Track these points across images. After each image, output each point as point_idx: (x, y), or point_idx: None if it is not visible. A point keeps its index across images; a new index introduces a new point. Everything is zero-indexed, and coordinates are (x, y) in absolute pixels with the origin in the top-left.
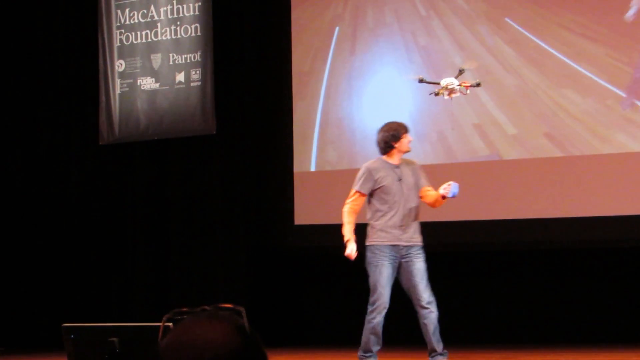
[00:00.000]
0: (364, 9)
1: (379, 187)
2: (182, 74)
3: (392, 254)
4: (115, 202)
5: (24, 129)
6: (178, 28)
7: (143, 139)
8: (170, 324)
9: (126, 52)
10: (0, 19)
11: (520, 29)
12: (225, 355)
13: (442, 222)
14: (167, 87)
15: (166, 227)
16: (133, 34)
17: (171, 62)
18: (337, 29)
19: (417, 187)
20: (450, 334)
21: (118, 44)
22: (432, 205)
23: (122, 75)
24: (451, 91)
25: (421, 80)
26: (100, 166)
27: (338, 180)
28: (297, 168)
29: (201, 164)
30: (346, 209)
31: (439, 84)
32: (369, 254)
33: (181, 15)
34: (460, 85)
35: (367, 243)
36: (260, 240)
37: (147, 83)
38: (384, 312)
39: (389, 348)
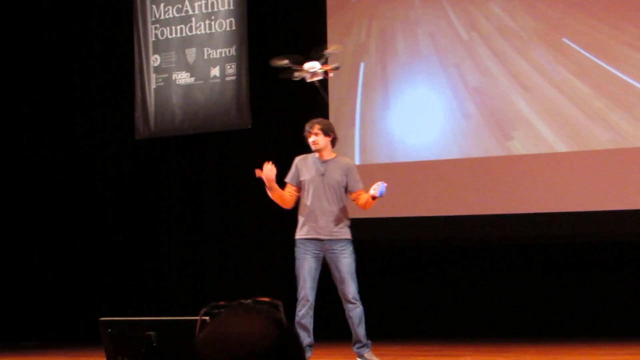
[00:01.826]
0: (392, 33)
1: (301, 180)
2: (217, 68)
3: (312, 249)
4: (151, 197)
5: (61, 124)
6: (212, 22)
7: (178, 134)
8: (207, 317)
9: (161, 46)
10: (38, 15)
11: (582, 51)
12: (262, 348)
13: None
14: (202, 82)
15: (202, 221)
16: (168, 28)
17: (206, 57)
18: (362, 64)
19: (343, 184)
20: (464, 327)
21: (153, 39)
22: (364, 206)
23: (157, 70)
24: (313, 74)
25: (288, 65)
26: (136, 161)
27: (372, 174)
28: None
29: (236, 158)
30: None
31: (302, 67)
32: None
33: (216, 9)
34: (321, 69)
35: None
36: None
37: (182, 77)
38: (307, 305)
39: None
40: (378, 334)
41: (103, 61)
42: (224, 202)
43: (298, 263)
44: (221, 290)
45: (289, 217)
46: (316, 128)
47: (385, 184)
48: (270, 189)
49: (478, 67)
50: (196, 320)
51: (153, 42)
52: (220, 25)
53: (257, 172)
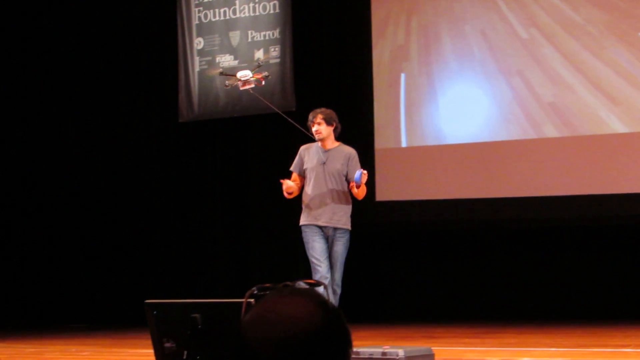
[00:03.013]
0: (436, 32)
1: (304, 169)
2: (261, 51)
3: (319, 231)
4: (196, 179)
5: (106, 108)
6: (256, 5)
7: (222, 117)
8: (253, 300)
9: (205, 29)
10: (84, 1)
11: None
12: (308, 330)
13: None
14: (246, 65)
15: (246, 204)
16: (211, 11)
17: (250, 40)
18: (402, 76)
19: (343, 173)
20: (505, 308)
21: (197, 22)
22: (356, 195)
23: (200, 53)
24: (245, 82)
25: (221, 73)
26: (180, 144)
27: (419, 157)
28: (378, 144)
29: (281, 141)
30: None
31: (235, 75)
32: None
33: None
34: (253, 77)
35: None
36: None
37: (226, 60)
38: (326, 283)
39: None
40: (417, 314)
41: (147, 45)
42: (269, 184)
43: (308, 246)
44: (266, 273)
45: None
46: (319, 118)
47: (361, 171)
48: (292, 194)
49: (547, 74)
50: (241, 302)
51: (196, 25)
52: (264, 8)
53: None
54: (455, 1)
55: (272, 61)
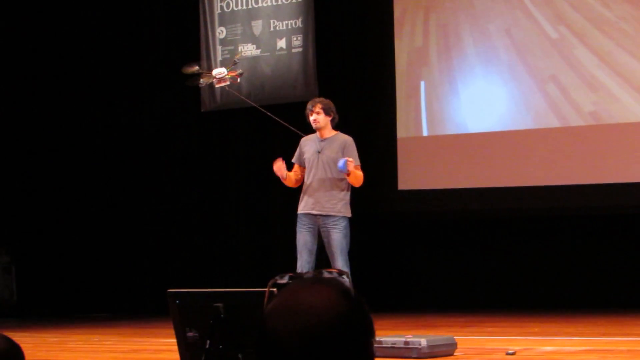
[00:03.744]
0: (456, 32)
1: (304, 159)
2: (284, 40)
3: (308, 222)
4: (218, 169)
5: (128, 97)
6: None
7: (244, 106)
8: (275, 289)
9: (227, 19)
10: None
11: None
12: (331, 319)
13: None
14: (268, 54)
15: (268, 192)
16: (234, 1)
17: (272, 29)
18: (422, 84)
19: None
20: (529, 298)
21: (219, 11)
22: (352, 184)
23: (223, 42)
24: (221, 80)
25: (198, 71)
26: (203, 133)
27: (441, 146)
28: (400, 133)
29: (303, 130)
30: None
31: (210, 73)
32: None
33: None
34: (228, 75)
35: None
36: (363, 206)
37: (248, 50)
38: None
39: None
40: (439, 303)
41: (169, 34)
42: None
43: (296, 237)
44: (289, 262)
45: (357, 189)
46: (318, 107)
47: (345, 159)
48: (284, 178)
49: (583, 79)
50: (264, 291)
51: (219, 14)
52: None
53: (275, 167)
54: None
55: (294, 50)
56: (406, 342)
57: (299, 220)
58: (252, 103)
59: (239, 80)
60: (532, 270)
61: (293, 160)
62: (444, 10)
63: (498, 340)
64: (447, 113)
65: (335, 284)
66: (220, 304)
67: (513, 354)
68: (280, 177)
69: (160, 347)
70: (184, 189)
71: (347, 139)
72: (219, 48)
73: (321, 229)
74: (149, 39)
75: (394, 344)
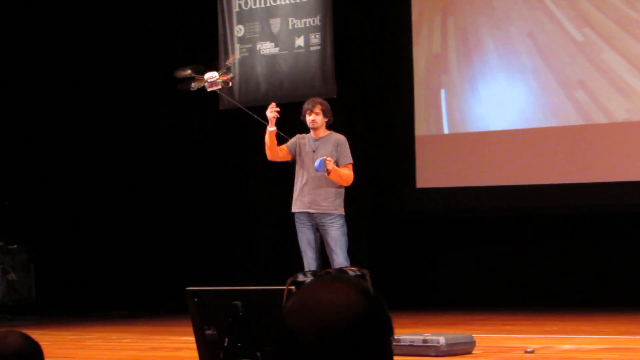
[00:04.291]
0: (476, 35)
1: (298, 154)
2: (302, 38)
3: (306, 221)
4: (236, 167)
5: (146, 95)
6: None
7: (263, 104)
8: (294, 287)
9: (245, 17)
10: None
11: None
12: (349, 318)
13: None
14: (287, 52)
15: (287, 191)
16: None
17: (290, 27)
18: (442, 93)
19: (334, 159)
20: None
21: (237, 9)
22: (337, 182)
23: (241, 40)
24: (212, 84)
25: (190, 75)
26: (221, 131)
27: (459, 144)
28: (418, 131)
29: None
30: None
31: (202, 77)
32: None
33: None
34: (220, 79)
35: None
36: (381, 204)
37: (267, 48)
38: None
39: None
40: (457, 301)
41: (187, 32)
42: None
43: (298, 237)
44: None
45: (375, 187)
46: (317, 108)
47: (322, 158)
48: (270, 132)
49: (614, 84)
50: (283, 289)
51: (237, 12)
52: None
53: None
54: None
55: (312, 48)
56: (425, 340)
57: (296, 219)
58: (240, 105)
59: (230, 84)
60: (551, 268)
61: (286, 144)
62: (462, 12)
63: (517, 339)
64: (466, 111)
65: (354, 282)
66: (238, 302)
67: (532, 352)
68: (270, 124)
69: (179, 345)
70: (202, 186)
71: (341, 138)
72: (237, 46)
73: (319, 227)
74: (167, 37)
75: (413, 342)
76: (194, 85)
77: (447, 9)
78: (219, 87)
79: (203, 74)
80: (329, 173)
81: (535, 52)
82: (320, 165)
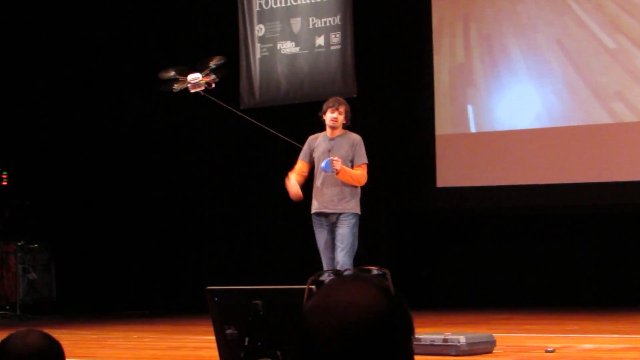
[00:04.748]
0: (501, 44)
1: (313, 157)
2: (322, 37)
3: (324, 222)
4: (257, 166)
5: (167, 95)
6: None
7: (283, 103)
8: (314, 286)
9: (266, 16)
10: None
11: None
12: (370, 317)
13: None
14: (307, 51)
15: (307, 190)
16: None
17: (311, 26)
18: (470, 109)
19: (349, 159)
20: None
21: (257, 9)
22: (348, 182)
23: (262, 39)
24: (195, 85)
25: (174, 76)
26: (241, 131)
27: (479, 143)
28: (439, 130)
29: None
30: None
31: (186, 78)
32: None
33: None
34: (203, 80)
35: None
36: (402, 203)
37: (287, 47)
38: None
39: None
40: (478, 300)
41: (208, 31)
42: None
43: (316, 238)
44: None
45: (395, 186)
46: (342, 108)
47: (330, 158)
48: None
49: None
50: (303, 289)
51: (257, 11)
52: None
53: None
54: (518, 2)
55: (332, 47)
56: (445, 340)
57: (314, 220)
58: (231, 108)
59: (213, 85)
60: (571, 268)
61: (300, 157)
62: (484, 18)
63: (537, 338)
64: (488, 110)
65: (374, 281)
66: (259, 301)
67: (552, 351)
68: (294, 196)
69: (199, 344)
70: (223, 185)
71: (356, 138)
72: (257, 46)
73: (333, 226)
74: (188, 36)
75: (433, 341)
76: (177, 87)
77: (469, 16)
78: (202, 88)
79: (186, 75)
80: (337, 173)
81: (565, 60)
82: (327, 166)
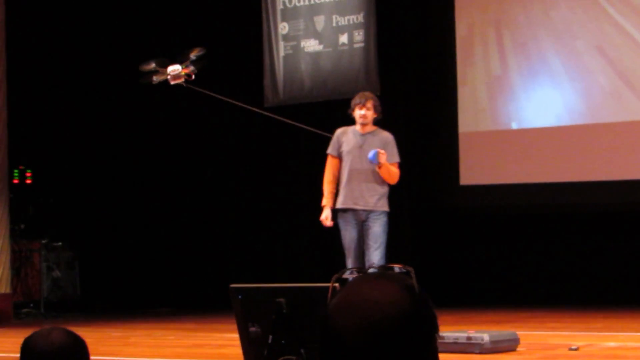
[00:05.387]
0: (539, 53)
1: (342, 151)
2: (346, 35)
3: (351, 218)
4: (280, 163)
5: (191, 94)
6: None
7: (307, 101)
8: (338, 284)
9: (289, 14)
10: None
11: None
12: (394, 315)
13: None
14: (331, 49)
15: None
16: None
17: (334, 24)
18: (485, 89)
19: None
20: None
21: (281, 7)
22: (385, 179)
23: (285, 37)
24: (175, 77)
25: (154, 68)
26: (265, 129)
27: (503, 141)
28: (462, 128)
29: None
30: (324, 179)
31: (165, 70)
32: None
33: None
34: (182, 72)
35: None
36: (425, 201)
37: (311, 45)
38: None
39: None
40: (501, 298)
41: (232, 30)
42: None
43: (341, 234)
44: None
45: (419, 184)
46: (370, 103)
47: (377, 150)
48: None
49: None
50: (327, 287)
51: (281, 10)
52: None
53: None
54: (550, 9)
55: (356, 45)
56: (469, 338)
57: (341, 216)
58: (230, 100)
59: (193, 77)
60: (595, 266)
61: (330, 151)
62: (517, 24)
63: (561, 336)
64: (510, 108)
65: (399, 279)
66: (282, 299)
67: (576, 349)
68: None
69: (223, 342)
70: (246, 184)
71: (389, 136)
72: (281, 44)
73: (363, 223)
74: (212, 35)
75: (457, 339)
76: (156, 79)
77: (501, 22)
78: (182, 80)
79: (166, 67)
80: (380, 167)
81: (613, 73)
82: (374, 157)
